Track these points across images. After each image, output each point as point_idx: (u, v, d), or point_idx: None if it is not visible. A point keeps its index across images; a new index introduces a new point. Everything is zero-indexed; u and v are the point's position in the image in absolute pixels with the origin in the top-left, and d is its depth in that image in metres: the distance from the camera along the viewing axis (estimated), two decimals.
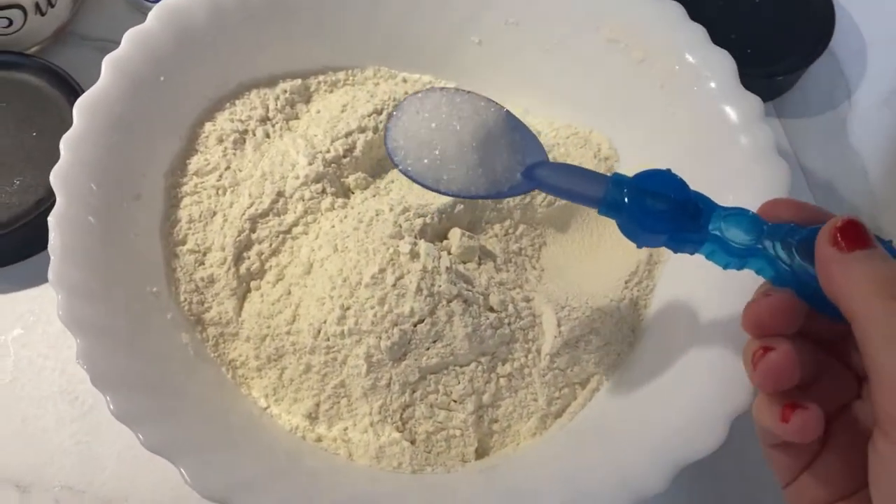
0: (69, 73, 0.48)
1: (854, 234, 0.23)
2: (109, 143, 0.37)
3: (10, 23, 0.48)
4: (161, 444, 0.29)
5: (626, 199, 0.28)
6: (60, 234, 0.33)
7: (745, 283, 0.28)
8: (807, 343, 0.26)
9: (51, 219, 0.34)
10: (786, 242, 0.26)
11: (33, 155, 0.46)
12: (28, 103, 0.47)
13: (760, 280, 0.31)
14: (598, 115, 0.45)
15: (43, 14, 0.49)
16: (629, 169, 0.44)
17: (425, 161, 0.30)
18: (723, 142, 0.38)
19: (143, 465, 0.41)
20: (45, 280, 0.44)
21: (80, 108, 0.36)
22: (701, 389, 0.33)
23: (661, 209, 0.27)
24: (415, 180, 0.31)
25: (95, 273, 0.34)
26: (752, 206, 0.37)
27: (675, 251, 0.28)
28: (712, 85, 0.39)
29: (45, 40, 0.51)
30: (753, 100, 0.39)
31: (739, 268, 0.27)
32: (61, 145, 0.35)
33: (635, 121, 0.43)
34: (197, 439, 0.31)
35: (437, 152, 0.30)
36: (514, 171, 0.30)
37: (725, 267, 0.28)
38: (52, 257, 0.33)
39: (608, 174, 0.29)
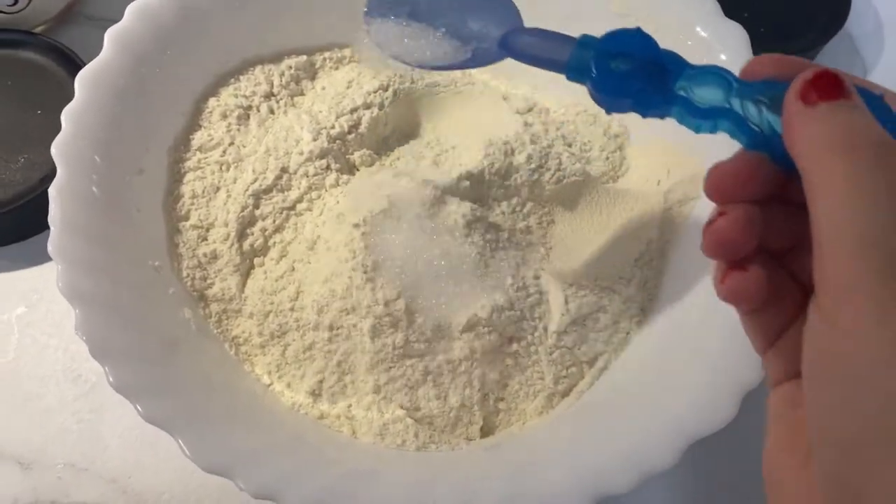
0: (75, 51, 0.48)
1: (826, 86, 0.20)
2: (111, 116, 0.36)
3: (16, 1, 0.48)
4: (160, 417, 0.29)
5: (591, 63, 0.25)
6: (61, 205, 0.33)
7: None
8: (782, 210, 0.23)
9: (51, 190, 0.33)
10: (756, 100, 0.23)
11: (38, 133, 0.45)
12: (33, 82, 0.47)
13: None
14: None
15: None
16: (642, 149, 0.44)
17: (398, 29, 0.30)
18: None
19: (145, 444, 0.40)
20: (50, 259, 0.45)
21: (81, 80, 0.36)
22: (711, 366, 0.32)
23: (625, 70, 0.25)
24: (388, 55, 0.30)
25: (96, 245, 0.33)
26: None
27: (644, 115, 0.26)
28: (723, 58, 0.38)
29: (51, 19, 0.51)
30: None
31: (712, 130, 0.25)
32: (62, 117, 0.35)
33: None
34: (197, 412, 0.30)
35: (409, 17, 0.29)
36: (489, 39, 0.29)
37: (697, 130, 0.25)
38: (51, 228, 0.33)
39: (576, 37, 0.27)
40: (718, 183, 0.23)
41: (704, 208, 0.39)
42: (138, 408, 0.29)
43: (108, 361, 0.30)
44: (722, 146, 0.38)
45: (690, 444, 0.29)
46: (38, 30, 0.50)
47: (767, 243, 0.23)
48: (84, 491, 0.39)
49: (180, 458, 0.40)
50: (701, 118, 0.24)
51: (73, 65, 0.47)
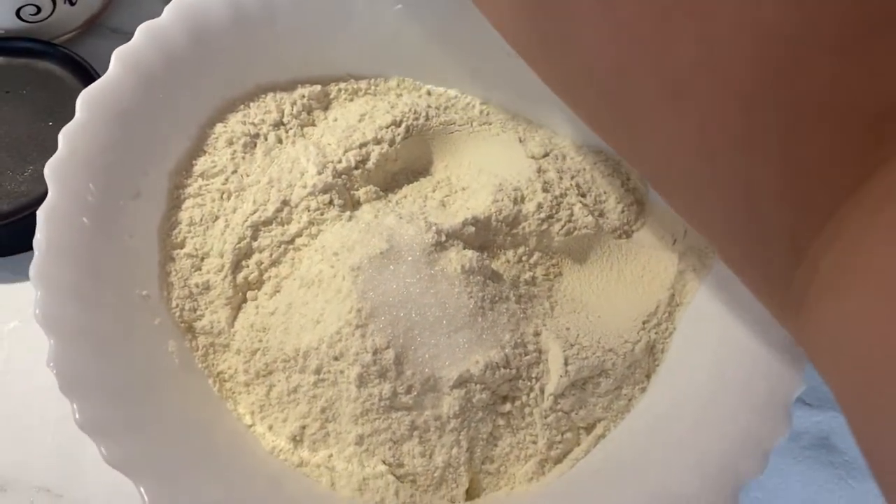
0: (94, 66, 0.47)
1: None
2: (111, 137, 0.35)
3: (39, 10, 0.48)
4: (123, 460, 0.28)
5: None
6: (47, 229, 0.32)
7: (764, 353, 0.26)
8: None
9: (39, 212, 0.32)
10: None
11: (47, 144, 0.45)
12: (49, 93, 0.47)
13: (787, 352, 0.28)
14: None
15: (73, 3, 0.49)
16: (661, 204, 0.42)
17: None
18: None
19: (123, 476, 0.39)
20: None
21: (83, 100, 0.35)
22: (711, 451, 0.30)
23: None
24: None
25: (80, 272, 0.32)
26: None
27: None
28: None
29: (75, 30, 0.51)
30: None
31: None
32: (60, 137, 0.34)
33: None
34: (165, 458, 0.29)
35: None
36: None
37: None
38: (35, 253, 0.32)
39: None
40: None
41: (719, 276, 0.37)
42: (102, 450, 0.28)
43: (77, 398, 0.29)
44: None
45: None
46: (60, 40, 0.50)
47: None
48: None
49: None
50: None
51: (90, 78, 0.47)
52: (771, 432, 0.29)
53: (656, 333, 0.37)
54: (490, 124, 0.44)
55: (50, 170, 0.33)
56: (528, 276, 0.39)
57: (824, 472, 0.41)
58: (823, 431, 0.42)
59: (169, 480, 0.28)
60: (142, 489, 0.27)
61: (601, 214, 0.41)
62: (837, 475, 0.41)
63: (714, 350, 0.35)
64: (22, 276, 0.44)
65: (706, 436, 0.31)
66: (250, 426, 0.36)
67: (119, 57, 0.36)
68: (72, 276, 0.32)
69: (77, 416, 0.28)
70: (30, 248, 0.44)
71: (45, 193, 0.42)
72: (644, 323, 0.37)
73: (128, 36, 0.37)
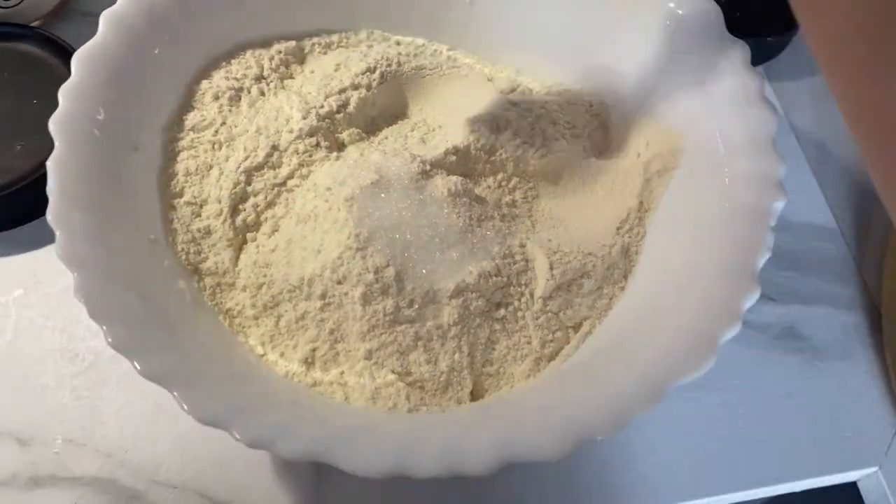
0: (72, 45, 0.49)
1: None
2: (107, 94, 0.37)
3: None
4: (157, 372, 0.30)
5: None
6: (59, 177, 0.34)
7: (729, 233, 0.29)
8: None
9: (49, 163, 0.34)
10: None
11: (34, 122, 0.46)
12: (31, 73, 0.48)
13: (747, 227, 0.31)
14: (589, 71, 0.45)
15: None
16: (622, 125, 0.45)
17: None
18: (711, 88, 0.39)
19: (142, 419, 0.41)
20: (47, 243, 0.46)
21: (78, 59, 0.37)
22: (689, 320, 0.33)
23: None
24: None
25: (93, 215, 0.34)
26: (741, 144, 0.37)
27: None
28: (700, 34, 0.40)
29: (47, 15, 0.52)
30: (741, 46, 0.39)
31: None
32: (60, 95, 0.36)
33: (627, 76, 0.44)
34: (193, 369, 0.31)
35: None
36: None
37: None
38: (50, 199, 0.33)
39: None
40: None
41: (682, 180, 0.40)
42: (136, 364, 0.30)
43: (105, 321, 0.31)
44: (697, 124, 0.40)
45: (670, 389, 0.30)
46: (32, 25, 0.52)
47: None
48: (82, 465, 0.40)
49: (176, 432, 0.41)
50: None
51: (70, 57, 0.48)
52: (742, 293, 0.32)
53: (629, 237, 0.40)
54: (458, 67, 0.47)
55: (54, 124, 0.35)
56: (508, 199, 0.42)
57: (793, 358, 0.45)
58: (788, 322, 0.46)
59: (199, 386, 0.30)
60: (176, 394, 0.29)
61: (571, 138, 0.44)
62: (804, 359, 0.45)
63: (682, 246, 0.38)
64: (20, 248, 0.46)
65: (681, 309, 0.34)
66: (262, 356, 0.38)
67: (107, 18, 0.38)
68: (84, 219, 0.34)
69: (109, 338, 0.30)
70: (24, 221, 0.46)
71: (38, 166, 0.45)
72: (618, 229, 0.41)
73: (98, 18, 0.39)
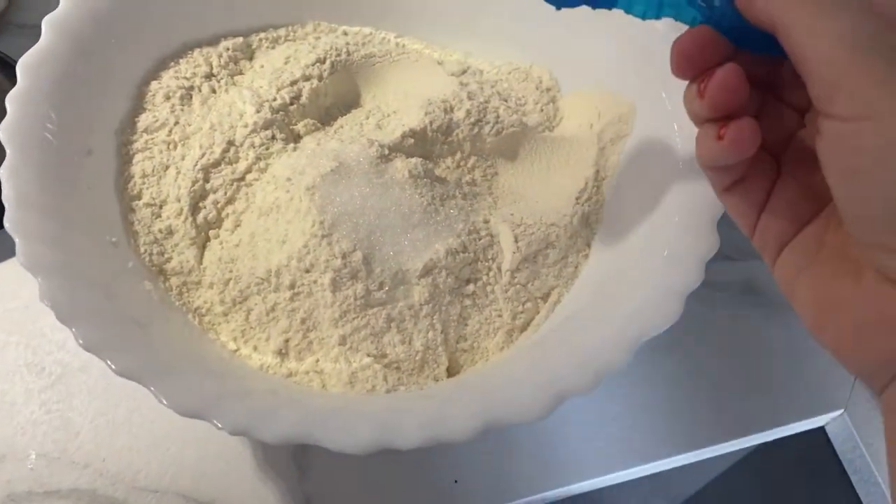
0: (12, 57, 0.48)
1: None
2: (55, 100, 0.37)
3: None
4: (132, 369, 0.30)
5: None
6: (14, 184, 0.33)
7: (684, 191, 0.30)
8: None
9: (2, 171, 0.34)
10: None
11: None
12: None
13: (702, 184, 0.32)
14: (537, 48, 0.46)
15: None
16: (573, 98, 0.46)
17: None
18: (658, 53, 0.40)
19: (117, 427, 0.41)
20: (5, 258, 0.45)
21: (23, 66, 0.36)
22: (654, 277, 0.34)
23: None
24: None
25: (52, 221, 0.34)
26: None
27: (594, 7, 0.28)
28: None
29: None
30: None
31: (657, 16, 0.27)
32: (7, 102, 0.35)
33: (574, 49, 0.44)
34: (168, 364, 0.31)
35: None
36: None
37: (643, 16, 0.27)
38: (6, 207, 0.33)
39: None
40: (684, 54, 0.26)
41: (635, 145, 0.41)
42: (109, 363, 0.29)
43: (74, 323, 0.30)
44: (645, 88, 0.41)
45: (641, 343, 0.31)
46: None
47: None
48: (59, 479, 0.39)
49: (153, 437, 0.41)
50: (645, 4, 0.26)
51: (11, 68, 0.47)
52: (701, 246, 0.33)
53: (589, 206, 0.41)
54: (407, 54, 0.47)
55: (4, 132, 0.35)
56: (468, 178, 0.43)
57: (754, 312, 0.46)
58: (747, 279, 0.47)
59: (175, 379, 0.30)
60: (153, 389, 0.29)
61: (524, 114, 0.44)
62: (764, 313, 0.46)
63: (641, 208, 0.39)
64: None
65: (645, 268, 0.35)
66: (236, 351, 0.38)
67: (50, 24, 0.38)
68: (43, 224, 0.33)
69: (80, 340, 0.30)
70: None
71: None
72: (577, 199, 0.41)
73: (34, 29, 0.38)
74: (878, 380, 0.23)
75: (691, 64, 0.26)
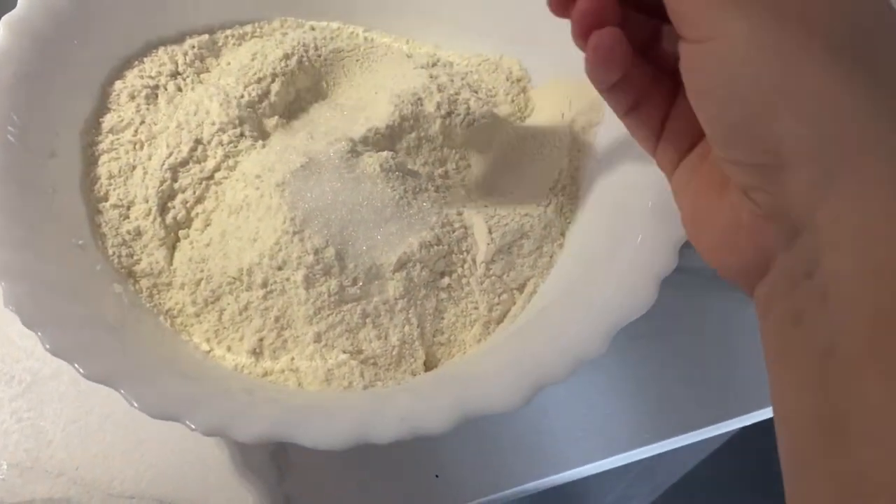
0: None
1: None
2: (16, 101, 0.36)
3: None
4: (101, 372, 0.29)
5: None
6: None
7: (659, 180, 0.30)
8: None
9: None
10: None
11: None
12: None
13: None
14: (506, 38, 0.46)
15: None
16: (543, 88, 0.46)
17: None
18: None
19: (90, 434, 0.40)
20: None
21: None
22: (629, 264, 0.34)
23: None
24: None
25: (16, 223, 0.33)
26: None
27: None
28: None
29: None
30: None
31: None
32: None
33: (543, 39, 0.44)
34: (139, 366, 0.30)
35: None
36: None
37: None
38: None
39: None
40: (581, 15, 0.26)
41: (607, 133, 0.41)
42: (78, 367, 0.29)
43: (40, 327, 0.29)
44: None
45: (617, 329, 0.31)
46: None
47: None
48: (32, 488, 0.39)
49: (127, 443, 0.40)
50: None
51: None
52: (674, 229, 0.33)
53: (563, 195, 0.41)
54: (375, 48, 0.47)
55: None
56: (440, 170, 0.42)
57: (729, 296, 0.46)
58: None
59: (146, 382, 0.29)
60: (124, 392, 0.29)
61: (494, 105, 0.44)
62: (740, 296, 0.46)
63: (614, 197, 0.39)
64: None
65: (619, 254, 0.35)
66: (209, 352, 0.37)
67: (8, 24, 0.37)
68: (7, 227, 0.33)
69: (47, 344, 0.29)
70: None
71: None
72: (551, 189, 0.41)
73: None
74: (747, 282, 0.25)
75: (587, 18, 0.26)
